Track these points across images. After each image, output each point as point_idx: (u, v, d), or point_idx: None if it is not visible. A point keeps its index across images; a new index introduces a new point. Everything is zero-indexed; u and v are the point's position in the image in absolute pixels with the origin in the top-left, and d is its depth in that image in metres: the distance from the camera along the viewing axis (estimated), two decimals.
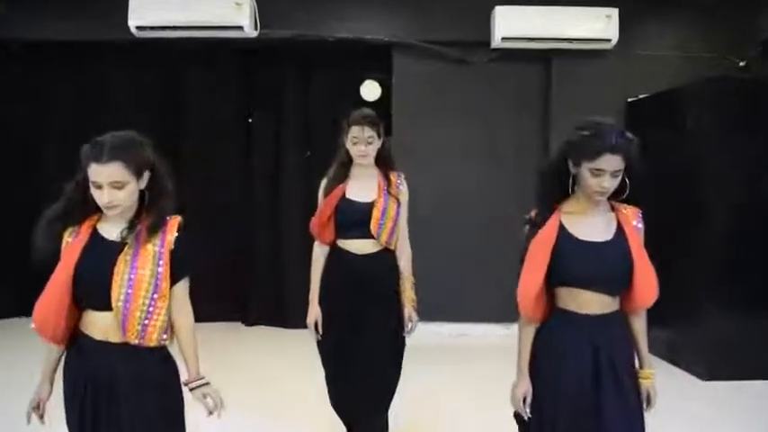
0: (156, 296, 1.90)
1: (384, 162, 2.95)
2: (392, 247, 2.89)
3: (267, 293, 6.11)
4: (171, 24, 5.45)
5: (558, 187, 2.00)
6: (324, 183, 2.94)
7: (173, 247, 1.95)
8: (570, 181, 1.98)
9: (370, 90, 5.77)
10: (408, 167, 5.69)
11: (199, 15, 5.42)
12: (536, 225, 2.01)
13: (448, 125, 5.75)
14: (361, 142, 2.82)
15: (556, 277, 1.97)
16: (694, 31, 5.74)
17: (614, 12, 5.42)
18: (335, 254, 2.90)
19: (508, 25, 5.41)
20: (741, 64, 5.72)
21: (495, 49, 5.66)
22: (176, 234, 1.96)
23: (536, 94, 5.79)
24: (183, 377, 2.02)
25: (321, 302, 2.90)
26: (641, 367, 2.06)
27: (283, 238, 6.03)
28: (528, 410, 2.00)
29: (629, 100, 5.64)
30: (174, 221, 1.99)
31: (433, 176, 5.68)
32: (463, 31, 5.66)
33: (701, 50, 5.68)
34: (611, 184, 1.90)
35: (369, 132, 2.82)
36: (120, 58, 6.02)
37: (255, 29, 5.52)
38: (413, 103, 5.72)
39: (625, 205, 2.04)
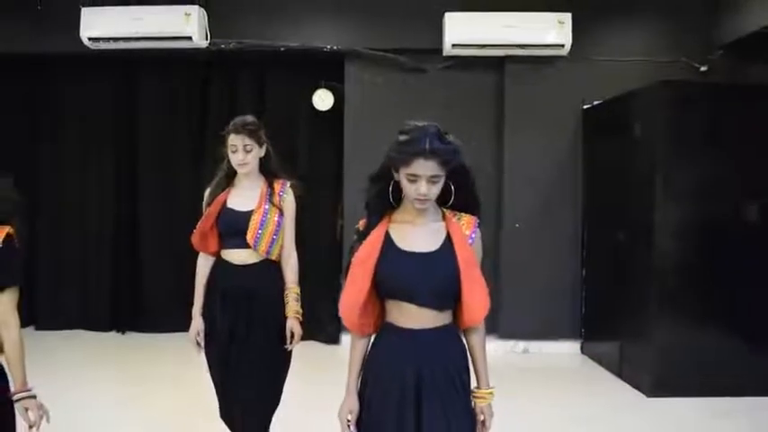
0: None
1: (269, 170, 2.87)
2: (273, 258, 2.80)
3: None
4: (123, 36, 5.49)
5: (384, 195, 1.90)
6: (207, 192, 2.87)
7: None
8: (391, 188, 1.88)
9: (323, 99, 5.70)
10: (360, 178, 5.75)
11: (149, 26, 5.45)
12: (363, 236, 1.91)
13: None
14: (240, 151, 2.74)
15: (381, 289, 1.87)
16: (653, 36, 5.60)
17: (567, 17, 5.32)
18: (217, 264, 2.83)
19: (458, 32, 5.33)
20: (702, 69, 5.56)
21: (448, 57, 5.58)
22: None
23: (490, 101, 5.68)
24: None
25: (204, 314, 2.82)
26: (479, 386, 1.94)
27: None
28: (354, 429, 1.90)
29: (585, 107, 5.52)
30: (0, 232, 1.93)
31: None
32: (416, 38, 5.58)
33: (661, 55, 5.54)
34: (428, 190, 1.78)
35: (247, 141, 2.74)
36: (74, 69, 6.03)
37: (206, 39, 5.52)
38: (365, 111, 5.64)
39: (461, 214, 1.92)
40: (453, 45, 5.35)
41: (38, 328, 6.19)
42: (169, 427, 3.75)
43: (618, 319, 4.87)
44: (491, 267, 5.64)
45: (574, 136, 5.61)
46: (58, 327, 6.16)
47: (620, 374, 4.81)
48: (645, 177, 4.51)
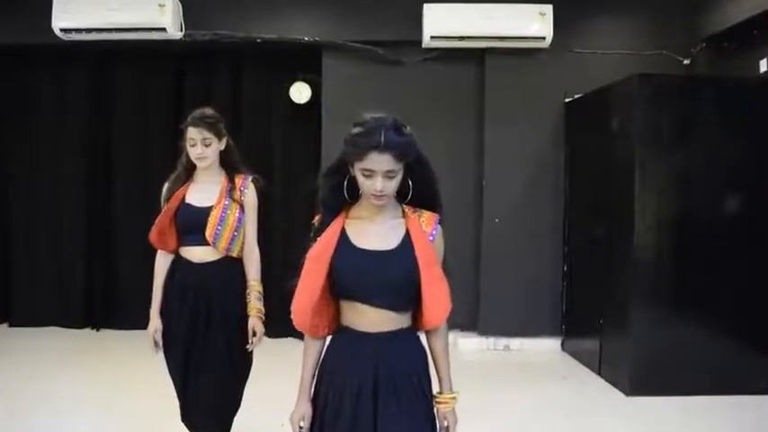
0: None
1: (230, 164, 2.77)
2: (234, 255, 2.70)
3: None
4: (96, 27, 5.35)
5: (339, 191, 1.80)
6: (165, 188, 2.77)
7: None
8: (346, 183, 1.78)
9: (300, 91, 5.59)
10: None
11: (123, 17, 5.31)
12: (317, 233, 1.82)
13: None
14: (198, 144, 2.64)
15: (335, 289, 1.78)
16: (636, 29, 5.53)
17: (548, 9, 5.23)
18: (176, 262, 2.73)
19: (437, 23, 5.23)
20: (686, 62, 5.50)
21: (428, 49, 5.48)
22: None
23: (471, 94, 5.58)
24: None
25: (162, 314, 2.72)
26: (441, 391, 1.85)
27: None
28: None
29: (567, 100, 5.43)
30: None
31: None
32: (394, 30, 5.47)
33: (644, 48, 5.47)
34: (385, 185, 1.68)
35: (205, 134, 2.65)
36: (47, 60, 5.89)
37: (180, 30, 5.39)
38: (343, 105, 5.48)
39: (421, 211, 1.82)
40: (432, 37, 5.25)
41: (12, 325, 6.07)
42: (141, 424, 3.69)
43: (597, 316, 4.79)
44: (471, 262, 5.58)
45: (555, 129, 5.52)
46: (32, 324, 6.02)
47: (599, 372, 4.74)
48: (623, 171, 4.42)
